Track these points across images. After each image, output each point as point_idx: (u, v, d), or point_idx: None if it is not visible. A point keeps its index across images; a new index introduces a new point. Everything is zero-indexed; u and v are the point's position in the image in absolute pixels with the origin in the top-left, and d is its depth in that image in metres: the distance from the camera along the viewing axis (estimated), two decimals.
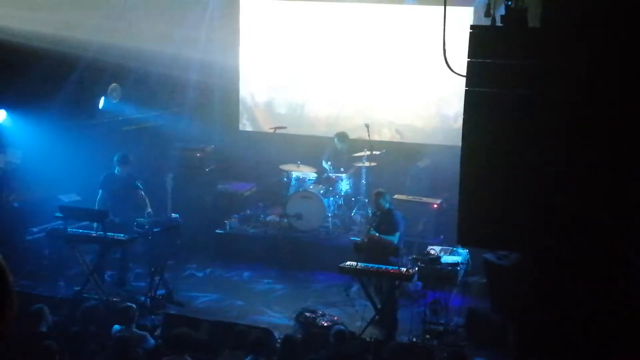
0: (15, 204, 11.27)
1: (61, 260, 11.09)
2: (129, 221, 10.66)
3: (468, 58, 5.21)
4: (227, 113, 14.67)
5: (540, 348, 6.45)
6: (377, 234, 9.86)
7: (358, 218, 12.73)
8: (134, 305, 8.44)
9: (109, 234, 10.28)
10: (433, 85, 13.15)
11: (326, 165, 13.07)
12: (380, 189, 10.24)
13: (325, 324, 9.42)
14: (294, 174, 12.75)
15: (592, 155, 5.03)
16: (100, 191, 10.92)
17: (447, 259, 9.73)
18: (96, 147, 11.78)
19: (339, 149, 13.04)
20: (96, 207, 10.78)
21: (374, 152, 12.63)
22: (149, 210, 10.59)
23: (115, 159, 10.90)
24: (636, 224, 5.01)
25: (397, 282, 9.64)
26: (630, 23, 4.93)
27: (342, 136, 13.01)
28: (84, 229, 10.76)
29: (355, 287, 10.33)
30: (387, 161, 12.97)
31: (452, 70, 5.67)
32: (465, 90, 5.23)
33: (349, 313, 10.00)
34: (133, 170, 11.05)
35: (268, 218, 12.99)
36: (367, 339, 8.84)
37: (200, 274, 11.87)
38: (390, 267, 9.51)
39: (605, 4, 5.00)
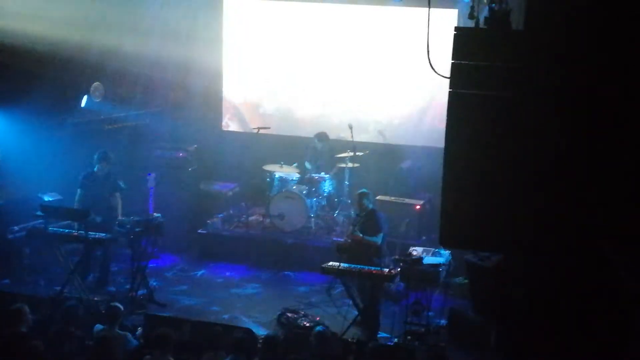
0: None
1: (42, 259, 11.03)
2: (111, 220, 10.62)
3: (452, 60, 5.23)
4: (210, 113, 14.63)
5: (521, 348, 6.49)
6: (361, 235, 9.87)
7: (341, 219, 12.74)
8: (120, 306, 8.37)
9: (90, 233, 10.24)
10: (417, 87, 13.18)
11: (308, 165, 13.10)
12: (364, 190, 10.26)
13: (307, 325, 9.44)
14: (277, 174, 12.73)
15: (575, 157, 5.06)
16: (79, 190, 10.87)
17: (429, 259, 9.75)
18: (78, 146, 11.70)
19: (319, 149, 13.05)
20: (75, 207, 10.72)
21: (357, 153, 12.66)
22: (120, 217, 10.60)
23: (95, 156, 10.84)
24: (619, 224, 5.05)
25: (379, 283, 9.66)
26: (613, 25, 4.97)
27: (321, 136, 13.01)
28: (65, 228, 10.69)
29: (337, 288, 10.34)
30: (370, 162, 12.98)
31: (435, 72, 5.69)
32: (449, 91, 5.25)
33: (331, 313, 10.01)
34: (113, 169, 11.00)
35: (250, 218, 12.95)
36: (349, 340, 8.84)
37: (181, 274, 11.83)
38: (373, 268, 9.53)
39: (588, 7, 5.04)
